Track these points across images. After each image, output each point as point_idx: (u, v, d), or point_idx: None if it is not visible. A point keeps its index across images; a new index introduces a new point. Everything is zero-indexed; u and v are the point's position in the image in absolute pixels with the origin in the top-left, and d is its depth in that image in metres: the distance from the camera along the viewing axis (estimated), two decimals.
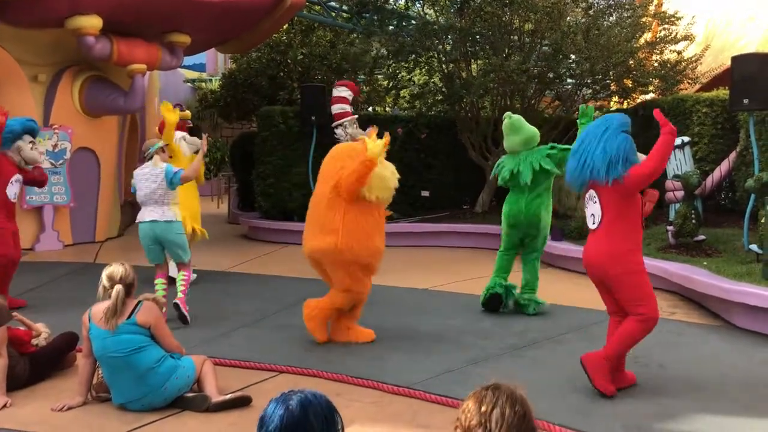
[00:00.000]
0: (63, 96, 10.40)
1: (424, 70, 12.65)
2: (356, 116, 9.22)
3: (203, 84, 19.69)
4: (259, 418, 1.84)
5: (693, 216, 7.80)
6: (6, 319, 4.31)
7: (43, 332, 4.90)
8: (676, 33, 11.86)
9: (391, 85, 13.47)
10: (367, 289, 5.51)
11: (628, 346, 4.38)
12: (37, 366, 4.59)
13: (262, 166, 11.87)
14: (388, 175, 5.34)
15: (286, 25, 13.82)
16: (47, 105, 10.33)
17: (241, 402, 4.15)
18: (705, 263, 7.14)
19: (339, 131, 9.85)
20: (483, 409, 1.83)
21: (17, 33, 9.60)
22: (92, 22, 9.36)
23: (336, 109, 10.26)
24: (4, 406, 4.14)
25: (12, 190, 6.38)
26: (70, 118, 10.43)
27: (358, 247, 5.24)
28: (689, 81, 11.78)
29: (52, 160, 10.19)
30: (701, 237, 7.85)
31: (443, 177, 12.42)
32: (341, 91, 9.59)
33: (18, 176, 6.43)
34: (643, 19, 11.67)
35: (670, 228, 8.08)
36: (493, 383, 1.89)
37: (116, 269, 4.13)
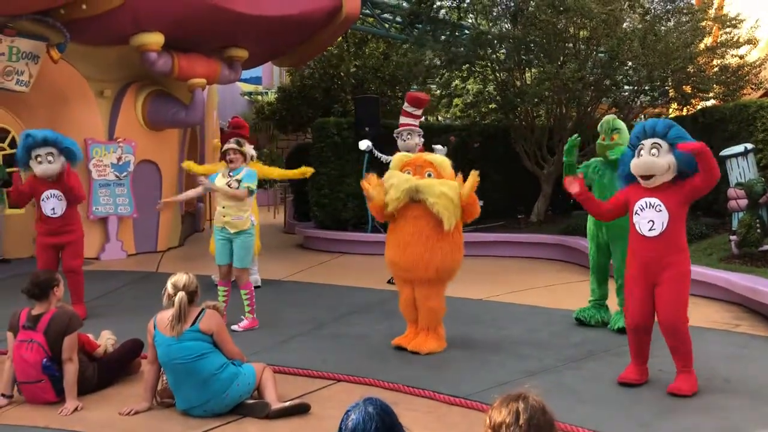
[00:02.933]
0: (127, 110, 10.79)
1: (478, 78, 12.63)
2: (414, 128, 9.01)
3: (259, 97, 20.10)
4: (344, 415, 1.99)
5: (758, 225, 7.56)
6: (78, 326, 4.49)
7: (109, 339, 5.07)
8: (739, 37, 11.53)
9: (444, 93, 13.47)
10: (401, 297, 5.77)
11: None
12: (105, 371, 4.77)
13: (317, 176, 12.01)
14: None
15: (340, 37, 14.01)
16: (112, 119, 10.74)
17: (301, 409, 4.22)
18: None
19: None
20: (521, 421, 1.92)
21: (86, 51, 10.02)
22: (155, 39, 9.72)
23: (402, 120, 9.87)
24: (76, 409, 4.32)
25: (46, 206, 6.53)
26: (134, 131, 10.80)
27: None
28: (752, 86, 11.42)
29: (117, 173, 10.57)
30: (767, 247, 7.60)
31: (497, 186, 12.35)
32: (413, 111, 9.38)
33: (49, 192, 6.50)
34: (703, 24, 11.39)
35: (733, 238, 7.85)
36: (521, 393, 2.01)
37: (180, 277, 4.27)
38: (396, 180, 5.44)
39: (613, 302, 6.35)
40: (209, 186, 6.33)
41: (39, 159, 6.41)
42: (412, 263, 5.44)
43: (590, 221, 6.32)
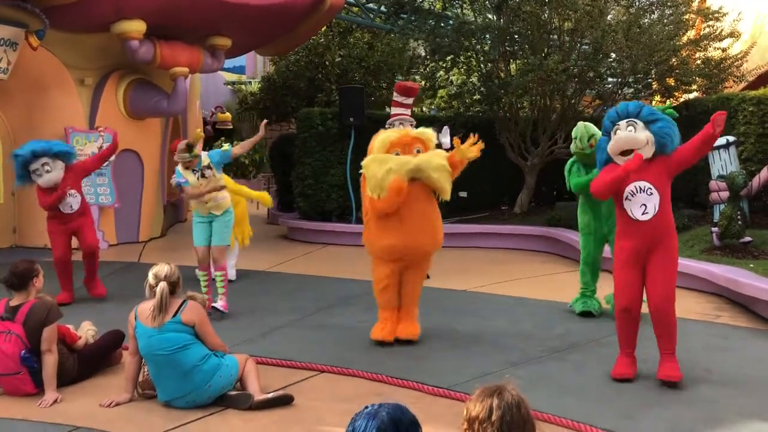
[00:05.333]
0: (108, 99, 10.64)
1: (462, 69, 12.60)
2: (405, 117, 8.92)
3: (243, 86, 19.92)
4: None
5: (739, 217, 7.62)
6: (57, 317, 4.43)
7: (89, 330, 5.01)
8: (721, 30, 11.60)
9: (428, 84, 13.44)
10: None
11: None
12: (86, 363, 4.72)
13: (301, 167, 11.96)
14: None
15: (325, 27, 13.91)
16: (93, 108, 10.58)
17: (284, 400, 4.20)
18: (752, 265, 6.98)
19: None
20: (493, 417, 1.89)
21: (65, 38, 9.85)
22: (136, 27, 9.58)
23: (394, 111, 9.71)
24: (55, 401, 4.27)
25: (65, 207, 6.87)
26: (115, 120, 10.64)
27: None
28: (734, 79, 11.50)
29: None
30: (747, 239, 7.67)
31: (481, 178, 12.34)
32: (403, 100, 9.30)
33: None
34: (686, 17, 11.44)
35: (714, 229, 7.92)
36: (499, 387, 1.96)
37: (162, 268, 4.22)
38: (394, 164, 5.16)
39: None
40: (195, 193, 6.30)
41: (37, 172, 6.67)
42: (419, 244, 5.39)
43: (587, 216, 6.37)
